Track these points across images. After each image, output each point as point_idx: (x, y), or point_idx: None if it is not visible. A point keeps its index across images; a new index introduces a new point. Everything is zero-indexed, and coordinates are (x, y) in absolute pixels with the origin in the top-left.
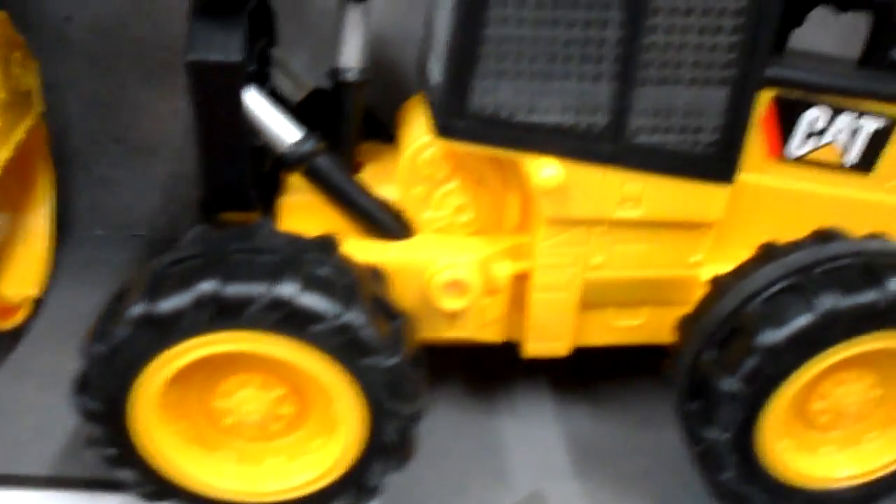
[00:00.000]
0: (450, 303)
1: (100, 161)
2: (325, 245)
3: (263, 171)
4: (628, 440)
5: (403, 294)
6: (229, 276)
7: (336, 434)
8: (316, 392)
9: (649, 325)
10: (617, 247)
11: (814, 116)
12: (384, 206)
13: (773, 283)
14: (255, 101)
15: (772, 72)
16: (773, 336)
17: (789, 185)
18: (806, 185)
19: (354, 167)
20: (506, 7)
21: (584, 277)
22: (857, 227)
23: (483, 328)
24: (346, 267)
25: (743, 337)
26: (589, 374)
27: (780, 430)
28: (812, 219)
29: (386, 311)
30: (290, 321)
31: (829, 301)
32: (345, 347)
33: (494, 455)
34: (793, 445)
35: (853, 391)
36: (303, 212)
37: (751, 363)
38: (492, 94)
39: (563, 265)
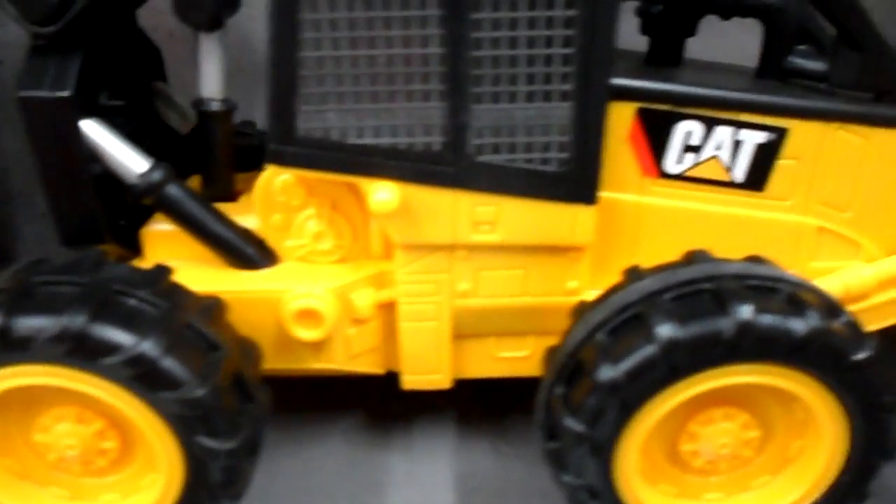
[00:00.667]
0: (304, 333)
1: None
2: (147, 276)
3: (128, 202)
4: (527, 479)
5: (261, 325)
6: (21, 308)
7: (159, 471)
8: (133, 426)
9: (537, 357)
10: (483, 273)
11: (686, 130)
12: (245, 236)
13: (620, 312)
14: (97, 134)
15: (628, 84)
16: (611, 371)
17: (673, 204)
18: (692, 203)
19: (232, 196)
20: (319, 29)
21: (452, 306)
22: (753, 248)
23: (355, 359)
24: (162, 298)
25: (586, 372)
26: (498, 409)
27: (649, 475)
28: (703, 241)
29: (206, 342)
30: (80, 353)
31: (670, 331)
32: (141, 380)
33: (375, 494)
34: (673, 492)
35: (724, 431)
36: (168, 242)
37: (592, 401)
38: (318, 118)
39: (427, 293)
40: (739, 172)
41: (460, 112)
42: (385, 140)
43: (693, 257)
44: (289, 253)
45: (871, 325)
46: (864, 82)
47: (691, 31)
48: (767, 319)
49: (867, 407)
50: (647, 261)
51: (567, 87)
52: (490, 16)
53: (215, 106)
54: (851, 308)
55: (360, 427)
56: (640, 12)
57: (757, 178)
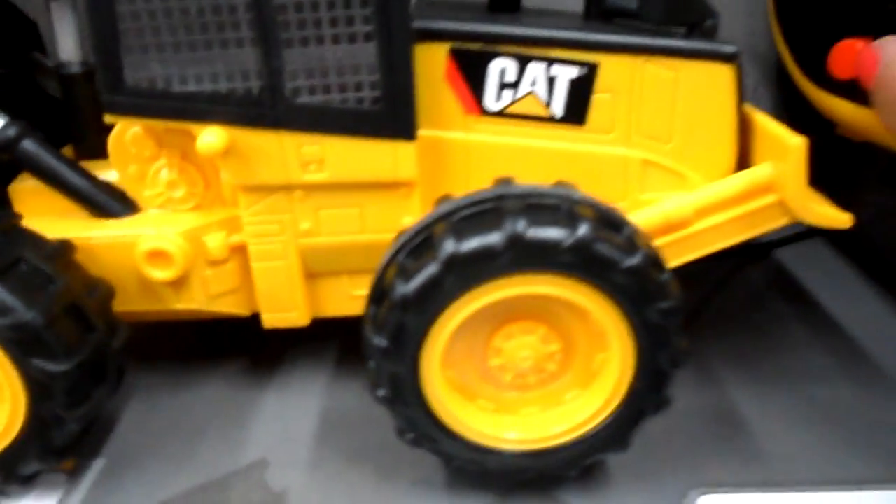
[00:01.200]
0: (156, 273)
1: None
2: None
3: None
4: (386, 414)
5: (122, 268)
6: None
7: (4, 398)
8: None
9: None
10: (322, 212)
11: (500, 67)
12: (104, 188)
13: (418, 234)
14: None
15: (436, 26)
16: (404, 289)
17: (498, 140)
18: (517, 139)
19: (103, 155)
20: None
21: (297, 245)
22: (582, 182)
23: (216, 300)
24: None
25: (386, 292)
26: None
27: (466, 392)
28: (531, 175)
29: (42, 276)
30: None
31: (451, 247)
32: None
33: (243, 427)
34: (491, 407)
35: (525, 344)
36: (35, 197)
37: (392, 318)
38: (143, 68)
39: (272, 233)
40: (558, 107)
41: (273, 57)
42: (207, 87)
43: (500, 182)
44: (148, 202)
45: (697, 251)
46: (670, 16)
47: None
48: (536, 231)
49: (645, 313)
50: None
51: (369, 28)
52: None
53: (74, 69)
54: (674, 236)
55: (243, 370)
56: None
57: (576, 112)
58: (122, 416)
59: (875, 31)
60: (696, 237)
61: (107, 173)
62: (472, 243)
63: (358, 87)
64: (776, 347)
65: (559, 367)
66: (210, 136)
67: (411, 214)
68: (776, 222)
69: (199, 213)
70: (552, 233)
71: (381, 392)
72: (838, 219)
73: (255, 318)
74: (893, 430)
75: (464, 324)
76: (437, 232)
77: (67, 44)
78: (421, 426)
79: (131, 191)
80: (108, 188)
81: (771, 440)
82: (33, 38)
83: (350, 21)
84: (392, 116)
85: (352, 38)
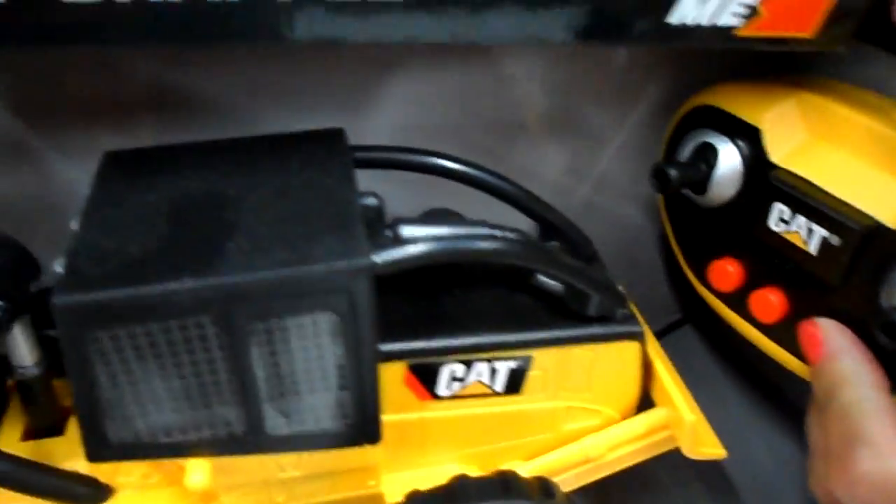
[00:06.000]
0: None
1: None
2: None
3: None
4: None
5: None
6: None
7: None
8: None
9: None
10: (296, 488)
11: (449, 371)
12: (73, 478)
13: None
14: None
15: (395, 348)
16: None
17: (448, 414)
18: (463, 411)
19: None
20: (109, 365)
21: None
22: (515, 430)
23: None
24: None
25: None
26: None
27: None
28: (475, 430)
29: None
30: None
31: None
32: None
33: None
34: None
35: None
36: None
37: None
38: (126, 428)
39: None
40: (499, 386)
41: (254, 410)
42: (192, 436)
43: None
44: (123, 486)
45: (604, 472)
46: (591, 313)
47: None
48: None
49: None
50: (435, 451)
51: (343, 380)
52: (260, 337)
53: (30, 372)
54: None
55: None
56: None
57: (514, 387)
58: None
59: (742, 255)
60: (607, 464)
61: (72, 461)
62: None
63: (333, 419)
64: None
65: None
66: (198, 476)
67: (374, 479)
68: (667, 448)
69: (172, 490)
70: None
71: None
72: (716, 452)
73: None
74: None
75: None
76: None
77: (23, 351)
78: None
79: (104, 477)
80: (78, 477)
81: None
82: None
83: (326, 378)
84: (362, 433)
85: (327, 389)
